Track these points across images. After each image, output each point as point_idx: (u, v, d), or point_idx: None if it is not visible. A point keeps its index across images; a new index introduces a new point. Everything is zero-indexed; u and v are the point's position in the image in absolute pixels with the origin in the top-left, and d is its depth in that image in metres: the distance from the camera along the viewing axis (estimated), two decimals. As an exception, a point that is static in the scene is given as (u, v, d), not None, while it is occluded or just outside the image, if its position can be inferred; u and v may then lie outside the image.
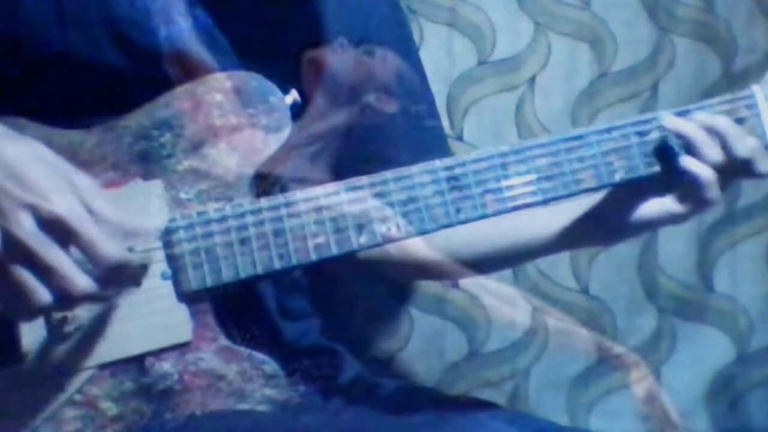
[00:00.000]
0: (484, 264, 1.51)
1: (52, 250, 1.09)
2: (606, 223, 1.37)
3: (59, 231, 1.10)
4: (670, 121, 1.31)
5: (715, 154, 1.29)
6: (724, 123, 1.31)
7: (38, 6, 1.27)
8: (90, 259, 1.11)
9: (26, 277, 1.09)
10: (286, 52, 1.33)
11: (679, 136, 1.30)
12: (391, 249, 1.45)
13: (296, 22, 1.37)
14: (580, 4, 1.90)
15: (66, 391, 1.21)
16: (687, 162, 1.30)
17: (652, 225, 1.36)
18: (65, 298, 1.11)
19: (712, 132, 1.30)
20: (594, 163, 1.30)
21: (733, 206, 1.97)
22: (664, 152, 1.31)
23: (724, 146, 1.30)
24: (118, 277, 1.15)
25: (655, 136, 1.31)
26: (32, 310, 1.12)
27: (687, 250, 1.98)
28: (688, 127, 1.30)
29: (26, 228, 1.09)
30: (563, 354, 1.93)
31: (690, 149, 1.30)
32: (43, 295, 1.10)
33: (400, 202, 1.26)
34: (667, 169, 1.31)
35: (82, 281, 1.11)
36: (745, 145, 1.30)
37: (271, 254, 1.23)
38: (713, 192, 1.30)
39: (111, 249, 1.12)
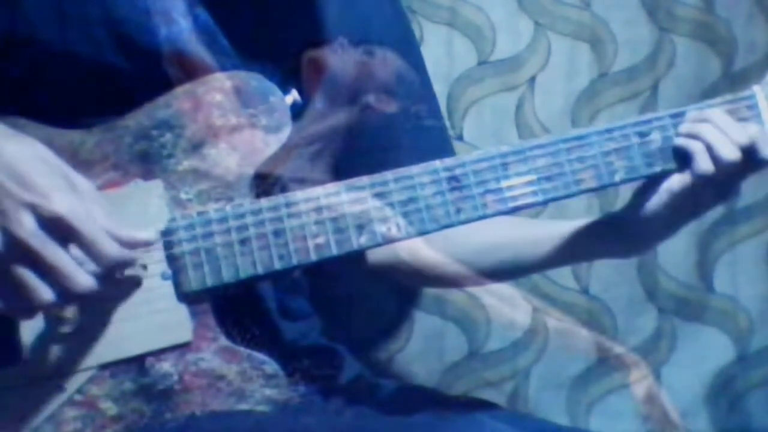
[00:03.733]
0: (494, 276, 1.51)
1: (54, 249, 1.10)
2: (624, 233, 1.36)
3: (60, 230, 1.10)
4: (686, 128, 1.31)
5: (730, 152, 1.28)
6: (723, 118, 1.30)
7: (39, 6, 1.27)
8: (91, 257, 1.12)
9: (28, 276, 1.10)
10: (286, 52, 1.33)
11: (696, 138, 1.30)
12: (403, 256, 1.45)
13: (296, 22, 1.37)
14: (580, 4, 1.90)
15: (66, 391, 1.21)
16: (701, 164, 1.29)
17: (668, 229, 1.36)
18: (67, 296, 1.11)
19: (719, 129, 1.29)
20: (594, 164, 1.30)
21: (733, 206, 1.97)
22: (681, 154, 1.31)
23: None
24: (120, 275, 1.15)
25: (656, 136, 1.31)
26: (34, 309, 1.12)
27: (687, 250, 1.98)
28: (706, 130, 1.30)
29: (27, 227, 1.09)
30: (563, 354, 1.93)
31: (708, 151, 1.29)
32: (45, 293, 1.10)
33: (401, 203, 1.25)
34: (682, 170, 1.31)
35: (83, 279, 1.11)
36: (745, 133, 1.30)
37: (271, 254, 1.23)
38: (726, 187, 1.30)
39: (112, 247, 1.12)
